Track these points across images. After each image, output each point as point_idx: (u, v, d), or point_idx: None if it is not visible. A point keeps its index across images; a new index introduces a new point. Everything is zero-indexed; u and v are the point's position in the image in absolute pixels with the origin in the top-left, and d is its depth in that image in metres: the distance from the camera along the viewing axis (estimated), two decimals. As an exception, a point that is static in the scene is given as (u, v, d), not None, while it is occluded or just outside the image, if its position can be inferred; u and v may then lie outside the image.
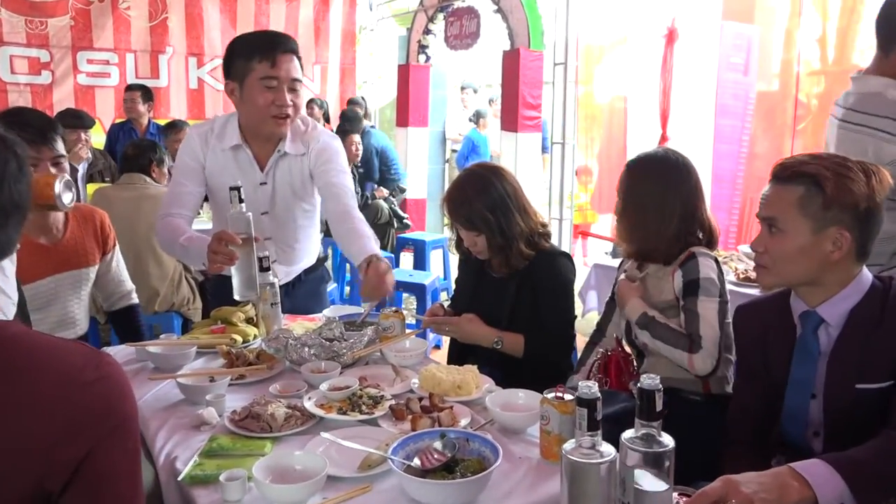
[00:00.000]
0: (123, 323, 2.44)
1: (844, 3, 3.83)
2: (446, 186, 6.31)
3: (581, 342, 2.21)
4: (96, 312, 2.54)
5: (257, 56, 2.05)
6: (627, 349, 2.01)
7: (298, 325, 2.20)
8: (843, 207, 1.36)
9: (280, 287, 2.17)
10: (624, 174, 1.99)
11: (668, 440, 1.09)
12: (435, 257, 5.61)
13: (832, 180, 1.36)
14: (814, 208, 1.38)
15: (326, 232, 2.32)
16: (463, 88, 8.67)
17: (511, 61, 5.81)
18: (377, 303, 2.37)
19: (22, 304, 1.84)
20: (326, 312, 2.34)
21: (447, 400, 1.67)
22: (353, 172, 5.48)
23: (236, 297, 2.05)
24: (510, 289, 2.13)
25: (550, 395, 1.42)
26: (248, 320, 2.23)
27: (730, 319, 1.81)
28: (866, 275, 1.44)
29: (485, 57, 7.36)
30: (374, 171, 6.32)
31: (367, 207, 5.81)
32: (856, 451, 1.22)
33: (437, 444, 1.37)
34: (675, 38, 4.63)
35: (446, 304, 2.39)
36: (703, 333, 1.78)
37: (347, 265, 5.18)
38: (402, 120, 7.20)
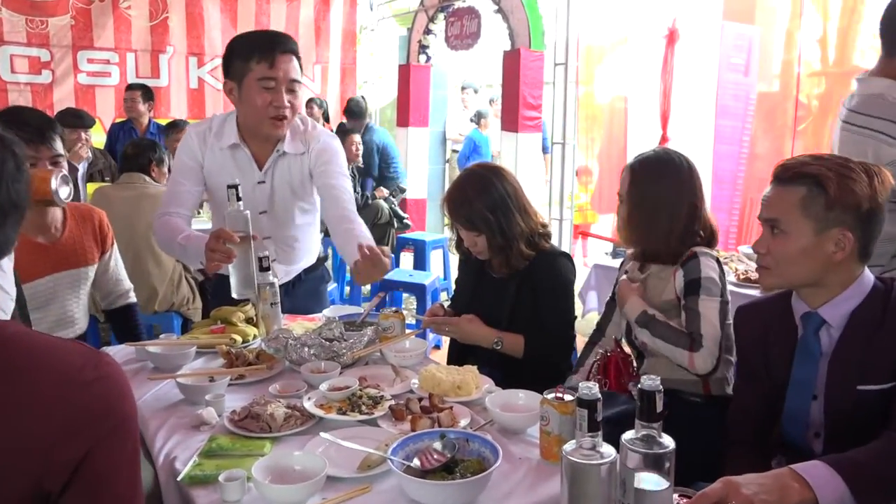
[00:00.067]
0: (121, 322, 2.44)
1: (845, 3, 3.83)
2: (446, 186, 6.33)
3: (581, 342, 2.21)
4: (96, 312, 2.54)
5: (256, 56, 2.05)
6: (627, 350, 2.01)
7: (298, 325, 2.19)
8: (846, 208, 1.36)
9: (280, 286, 2.17)
10: (627, 176, 1.97)
11: (668, 441, 1.09)
12: (435, 257, 5.62)
13: (835, 181, 1.36)
14: (816, 209, 1.38)
15: (326, 232, 2.32)
16: (463, 88, 8.67)
17: (511, 61, 5.81)
18: (377, 303, 2.38)
19: (22, 304, 1.84)
20: (326, 312, 2.34)
21: (447, 400, 1.67)
22: (352, 173, 5.49)
23: (234, 295, 2.05)
24: (510, 289, 2.13)
25: (550, 396, 1.42)
26: (248, 320, 2.23)
27: (730, 320, 1.81)
28: (868, 276, 1.44)
29: (485, 57, 7.36)
30: (374, 167, 6.31)
31: (367, 207, 5.80)
32: (856, 452, 1.22)
33: (437, 445, 1.37)
34: (676, 38, 4.62)
35: (446, 304, 2.38)
36: (704, 332, 1.77)
37: (348, 265, 5.18)
38: (403, 120, 7.20)
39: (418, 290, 4.40)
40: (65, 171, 1.91)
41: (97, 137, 5.36)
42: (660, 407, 1.08)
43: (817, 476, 1.15)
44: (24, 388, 0.83)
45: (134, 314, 2.45)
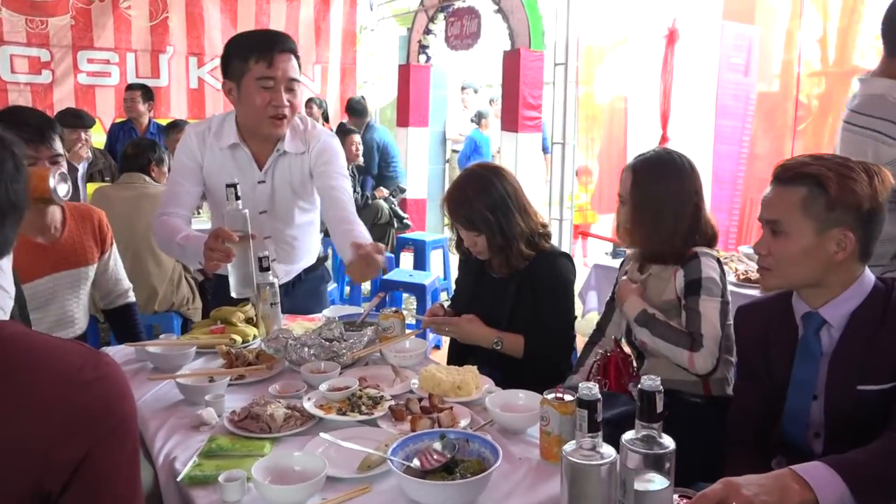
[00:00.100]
0: (120, 321, 2.44)
1: (845, 3, 3.83)
2: (446, 186, 6.33)
3: (581, 342, 2.21)
4: (96, 312, 2.54)
5: (254, 56, 2.05)
6: (627, 350, 2.01)
7: (298, 326, 2.19)
8: (847, 208, 1.36)
9: (280, 286, 2.16)
10: (629, 177, 1.95)
11: (668, 441, 1.09)
12: (435, 257, 5.61)
13: (835, 181, 1.35)
14: (817, 209, 1.37)
15: (326, 232, 2.32)
16: (463, 88, 8.67)
17: (511, 61, 5.81)
18: (377, 303, 2.38)
19: (22, 304, 1.84)
20: (326, 313, 2.34)
21: (447, 400, 1.67)
22: (352, 172, 5.49)
23: (233, 294, 2.05)
24: (510, 289, 2.13)
25: (550, 396, 1.42)
26: (248, 320, 2.23)
27: (730, 321, 1.81)
28: (869, 276, 1.44)
29: (485, 57, 7.37)
30: (374, 166, 6.31)
31: (367, 207, 5.81)
32: (857, 453, 1.22)
33: (437, 445, 1.37)
34: (676, 38, 4.62)
35: (446, 304, 2.38)
36: (705, 332, 1.77)
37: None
38: (403, 120, 7.20)
39: (418, 290, 4.40)
40: (63, 169, 1.91)
41: (97, 137, 5.35)
42: (660, 407, 1.08)
43: (817, 477, 1.15)
44: (23, 389, 0.83)
45: (133, 313, 2.45)
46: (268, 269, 2.07)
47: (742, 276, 3.12)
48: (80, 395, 0.85)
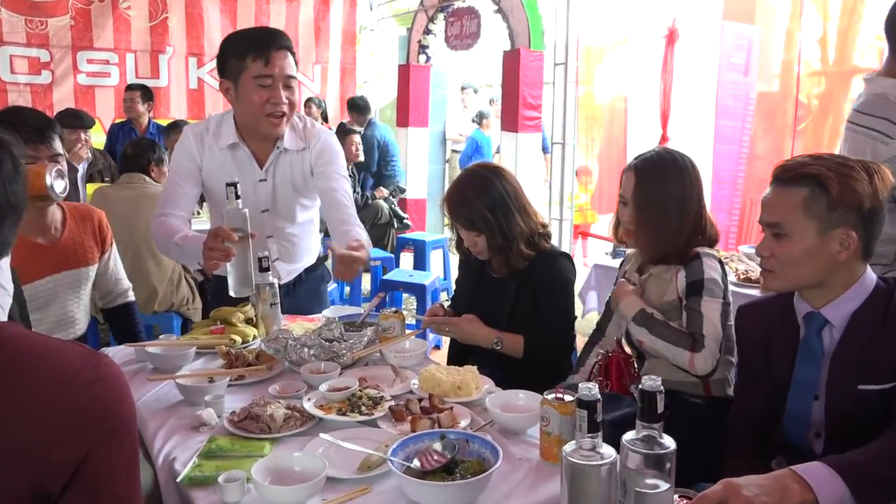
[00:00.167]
0: (119, 320, 2.44)
1: (845, 3, 3.83)
2: (446, 186, 6.33)
3: (581, 343, 2.20)
4: (96, 312, 2.54)
5: (251, 54, 2.04)
6: (628, 350, 2.01)
7: (298, 326, 2.19)
8: (849, 207, 1.36)
9: (281, 286, 2.16)
10: (631, 177, 1.93)
11: (669, 442, 1.09)
12: (435, 257, 5.61)
13: (836, 181, 1.35)
14: (819, 210, 1.37)
15: (326, 232, 2.32)
16: (463, 88, 8.68)
17: (511, 61, 5.81)
18: (377, 303, 2.38)
19: (22, 305, 1.84)
20: (326, 313, 2.34)
21: (447, 401, 1.67)
22: (352, 172, 5.49)
23: (232, 293, 2.05)
24: (510, 289, 2.13)
25: (550, 396, 1.42)
26: (248, 321, 2.23)
27: (731, 322, 1.81)
28: (870, 276, 1.43)
29: (485, 57, 7.37)
30: (374, 163, 6.31)
31: (367, 207, 5.80)
32: (857, 453, 1.22)
33: (437, 446, 1.36)
34: (676, 38, 4.62)
35: (446, 304, 2.38)
36: (706, 332, 1.77)
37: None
38: (403, 120, 7.20)
39: (418, 290, 4.40)
40: (59, 166, 1.90)
41: (97, 138, 5.35)
42: (661, 407, 1.08)
43: (818, 477, 1.14)
44: (22, 390, 0.83)
45: (132, 313, 2.45)
46: (267, 269, 2.06)
47: (742, 276, 3.12)
48: (79, 396, 0.85)
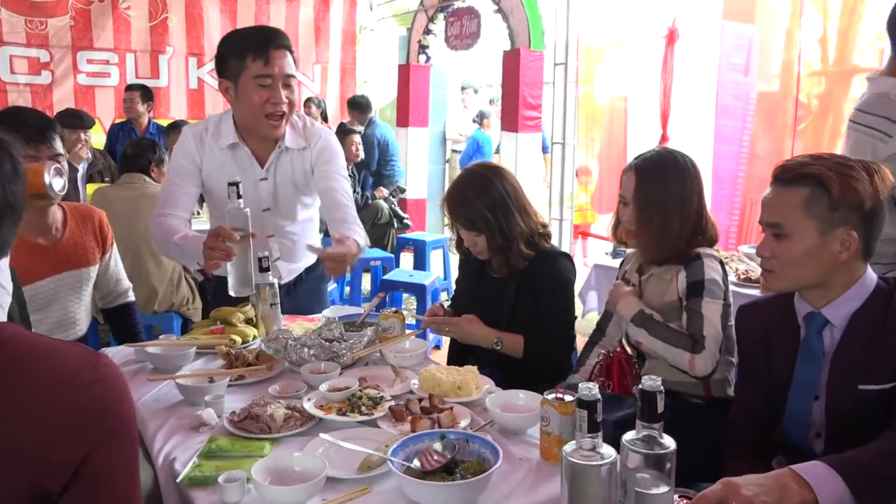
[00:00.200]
0: (119, 320, 2.44)
1: (845, 3, 3.83)
2: (446, 186, 6.33)
3: (581, 342, 2.20)
4: (96, 313, 2.54)
5: (250, 54, 2.04)
6: (629, 350, 2.00)
7: (298, 326, 2.19)
8: (850, 207, 1.36)
9: (282, 286, 2.16)
10: (632, 177, 1.93)
11: (669, 442, 1.09)
12: (435, 257, 5.61)
13: (837, 181, 1.35)
14: (820, 210, 1.37)
15: (326, 232, 2.32)
16: (463, 88, 8.67)
17: (511, 61, 5.81)
18: (377, 303, 2.38)
19: (23, 306, 1.84)
20: (326, 313, 2.34)
21: (447, 401, 1.67)
22: (352, 172, 5.49)
23: (231, 293, 2.05)
24: (510, 289, 2.13)
25: (550, 396, 1.42)
26: (248, 321, 2.23)
27: (731, 322, 1.81)
28: (871, 276, 1.43)
29: (485, 57, 7.37)
30: (374, 162, 6.30)
31: (367, 207, 5.80)
32: (857, 452, 1.22)
33: (437, 446, 1.36)
34: (676, 38, 4.62)
35: (446, 304, 2.38)
36: (707, 334, 1.76)
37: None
38: (403, 120, 7.20)
39: (418, 290, 4.40)
40: (58, 165, 1.90)
41: (97, 138, 5.35)
42: (661, 407, 1.08)
43: (817, 476, 1.14)
44: (22, 391, 0.83)
45: (132, 313, 2.45)
46: (268, 269, 2.06)
47: (742, 276, 3.12)
48: (78, 396, 0.85)
